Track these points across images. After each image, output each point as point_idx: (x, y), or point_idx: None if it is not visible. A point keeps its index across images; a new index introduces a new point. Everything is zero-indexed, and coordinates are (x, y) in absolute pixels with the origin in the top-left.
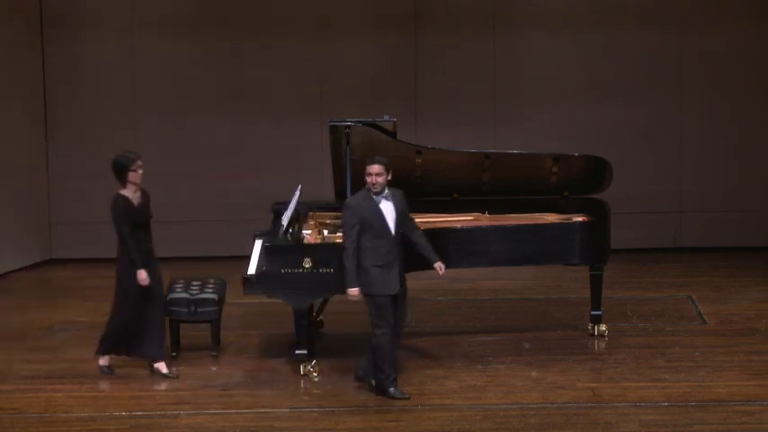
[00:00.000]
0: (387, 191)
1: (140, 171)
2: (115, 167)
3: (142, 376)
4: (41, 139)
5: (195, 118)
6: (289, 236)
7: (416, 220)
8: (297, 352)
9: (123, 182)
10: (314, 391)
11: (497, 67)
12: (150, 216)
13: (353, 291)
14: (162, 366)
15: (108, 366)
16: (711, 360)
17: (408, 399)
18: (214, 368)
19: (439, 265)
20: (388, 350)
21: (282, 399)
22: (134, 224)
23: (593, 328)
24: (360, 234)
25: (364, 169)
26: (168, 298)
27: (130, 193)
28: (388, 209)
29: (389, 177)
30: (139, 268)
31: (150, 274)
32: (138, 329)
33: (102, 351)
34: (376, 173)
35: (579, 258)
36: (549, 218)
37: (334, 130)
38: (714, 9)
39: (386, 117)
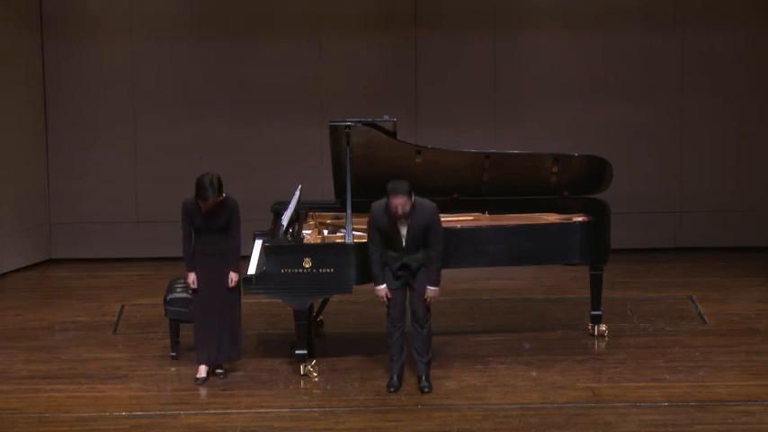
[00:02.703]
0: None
1: (204, 205)
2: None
3: (142, 376)
4: (41, 138)
5: (195, 118)
6: (289, 236)
7: None
8: (297, 352)
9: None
10: (314, 391)
11: (497, 67)
12: (221, 226)
13: (379, 289)
14: (202, 370)
15: (203, 378)
16: (711, 360)
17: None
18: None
19: (428, 290)
20: (389, 340)
21: (282, 399)
22: (196, 228)
23: (593, 328)
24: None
25: (363, 169)
26: (168, 298)
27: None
28: (403, 227)
29: (412, 201)
30: (188, 271)
31: (203, 279)
32: (212, 335)
33: (197, 360)
34: (401, 203)
35: (579, 258)
36: (549, 218)
37: (334, 130)
38: (714, 9)
39: (386, 117)
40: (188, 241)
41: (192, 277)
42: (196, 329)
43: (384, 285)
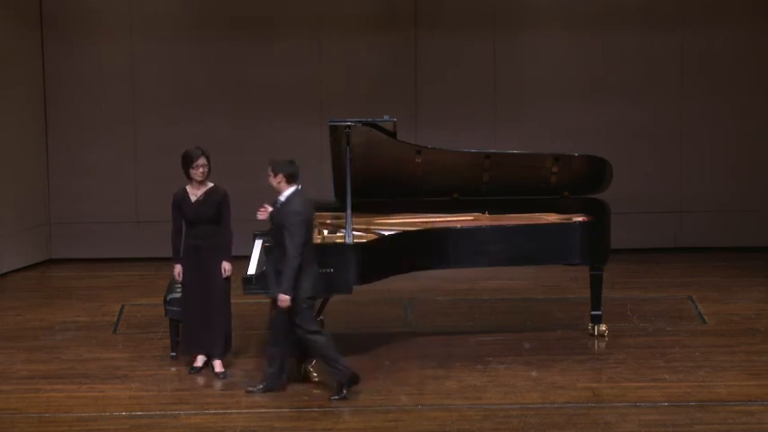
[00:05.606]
0: (285, 196)
1: (201, 169)
2: (181, 160)
3: (142, 376)
4: (41, 138)
5: (195, 117)
6: None
7: (416, 220)
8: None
9: (187, 176)
10: (314, 391)
11: (497, 67)
12: (210, 216)
13: None
14: (217, 365)
15: (196, 366)
16: (711, 360)
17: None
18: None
19: (278, 297)
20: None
21: (282, 399)
22: (187, 220)
23: (593, 328)
24: None
25: (363, 169)
26: (168, 298)
27: (193, 188)
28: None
29: (278, 180)
30: (174, 262)
31: (193, 272)
32: (199, 326)
33: (183, 350)
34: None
35: (579, 258)
36: (549, 218)
37: (334, 130)
38: (714, 9)
39: (386, 117)
40: (177, 233)
41: (177, 269)
42: (184, 324)
43: None
